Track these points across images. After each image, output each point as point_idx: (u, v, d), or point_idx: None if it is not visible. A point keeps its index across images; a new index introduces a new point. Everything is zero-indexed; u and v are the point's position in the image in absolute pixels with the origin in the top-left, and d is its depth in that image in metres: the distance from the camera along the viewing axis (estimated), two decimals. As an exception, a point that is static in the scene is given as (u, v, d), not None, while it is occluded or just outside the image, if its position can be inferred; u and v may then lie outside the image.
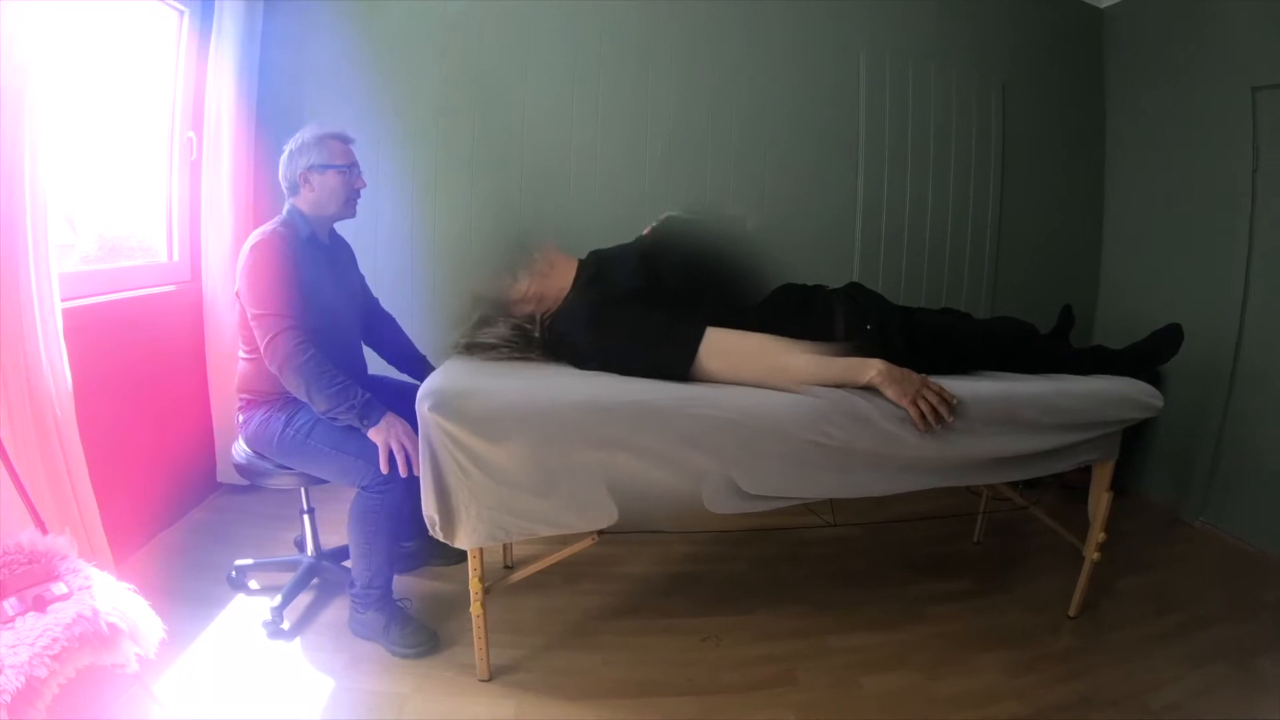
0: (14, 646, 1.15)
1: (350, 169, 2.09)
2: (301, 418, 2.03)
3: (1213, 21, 3.04)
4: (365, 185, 2.15)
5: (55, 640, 1.19)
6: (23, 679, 1.11)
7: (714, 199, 3.13)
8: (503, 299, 2.07)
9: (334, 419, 1.95)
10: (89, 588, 1.35)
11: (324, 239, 2.18)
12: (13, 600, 1.27)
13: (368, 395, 1.95)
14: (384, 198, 3.09)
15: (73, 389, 1.90)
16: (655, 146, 3.28)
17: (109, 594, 1.36)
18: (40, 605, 1.28)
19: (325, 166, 2.04)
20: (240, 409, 2.15)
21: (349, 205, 2.12)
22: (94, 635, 1.25)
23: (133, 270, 2.64)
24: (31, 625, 1.21)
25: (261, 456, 2.12)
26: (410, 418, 1.83)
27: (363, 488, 1.99)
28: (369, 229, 3.06)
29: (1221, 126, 3.01)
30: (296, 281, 1.97)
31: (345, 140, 2.11)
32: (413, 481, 1.91)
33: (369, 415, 1.93)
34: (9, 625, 1.22)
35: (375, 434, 1.92)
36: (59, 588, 1.33)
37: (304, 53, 3.04)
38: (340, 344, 2.14)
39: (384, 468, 1.92)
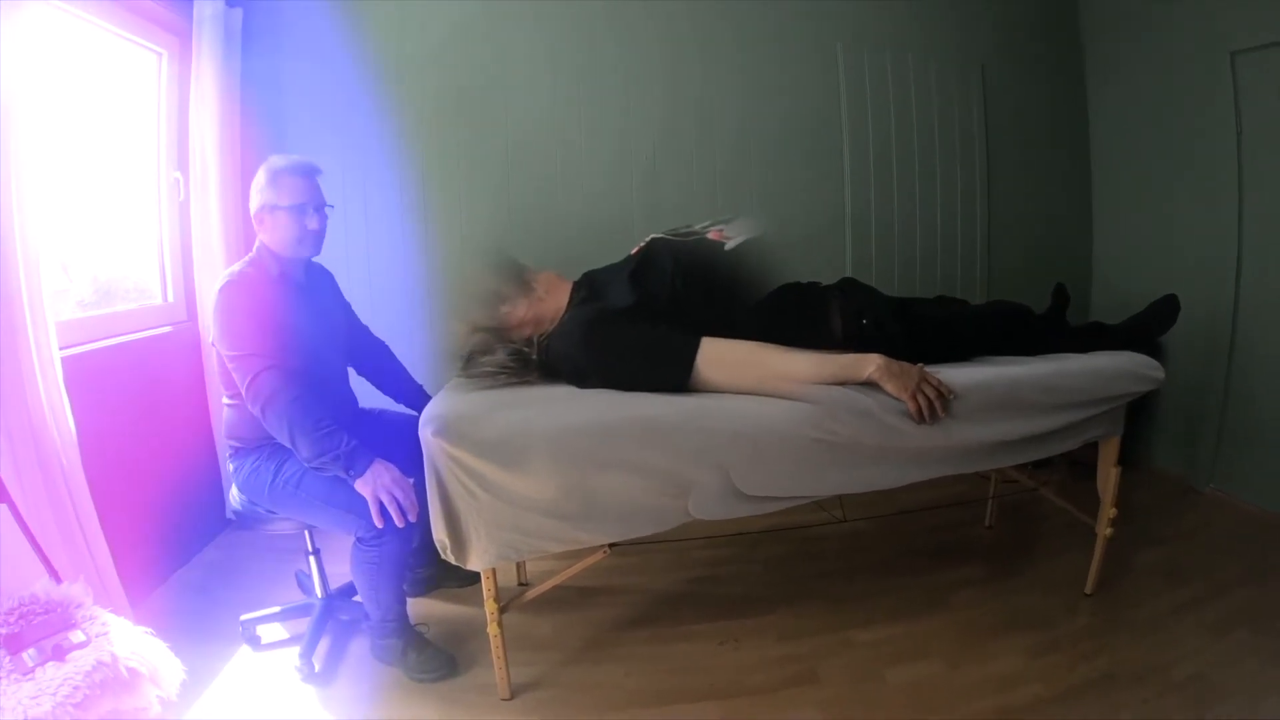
0: (36, 697, 1.16)
1: (301, 207, 1.95)
2: (290, 468, 1.94)
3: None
4: (319, 223, 2.00)
5: (76, 689, 1.20)
6: (47, 729, 1.12)
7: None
8: (500, 325, 2.06)
9: (319, 468, 1.85)
10: (106, 634, 1.36)
11: (298, 275, 2.07)
12: (32, 651, 1.28)
13: (354, 443, 1.83)
14: (374, 224, 3.10)
15: (77, 436, 1.91)
16: (641, 154, 3.29)
17: (127, 639, 1.37)
18: (59, 654, 1.28)
19: (274, 207, 1.94)
20: (230, 456, 2.08)
21: (304, 244, 1.99)
22: (114, 681, 1.26)
23: (129, 314, 2.64)
24: (52, 675, 1.22)
25: (255, 504, 2.04)
26: (407, 451, 1.82)
27: (358, 539, 1.93)
28: (360, 257, 3.07)
29: (1203, 93, 3.02)
30: (273, 319, 1.88)
31: (304, 174, 1.97)
32: (410, 527, 1.87)
33: (354, 465, 1.82)
34: (29, 676, 1.22)
35: (362, 486, 1.82)
36: (77, 636, 1.34)
37: (284, 87, 3.05)
38: (325, 384, 2.05)
39: (377, 521, 1.83)
